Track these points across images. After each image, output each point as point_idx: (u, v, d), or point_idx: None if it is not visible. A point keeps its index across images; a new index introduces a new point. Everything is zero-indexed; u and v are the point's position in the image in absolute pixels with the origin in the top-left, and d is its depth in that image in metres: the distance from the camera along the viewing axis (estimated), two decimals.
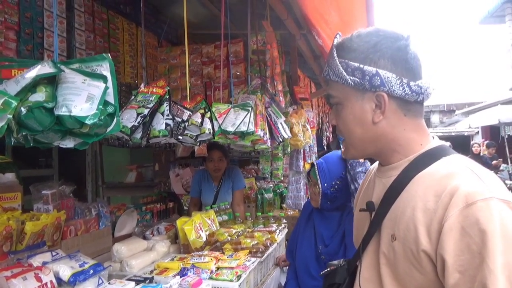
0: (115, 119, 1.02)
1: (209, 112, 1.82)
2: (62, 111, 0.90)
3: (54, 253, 1.84)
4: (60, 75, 0.94)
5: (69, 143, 0.99)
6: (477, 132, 15.92)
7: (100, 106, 0.94)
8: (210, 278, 1.93)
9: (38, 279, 1.61)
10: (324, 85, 5.32)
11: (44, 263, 1.73)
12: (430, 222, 0.78)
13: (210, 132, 1.81)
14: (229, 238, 2.45)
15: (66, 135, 0.97)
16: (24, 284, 1.54)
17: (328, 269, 1.08)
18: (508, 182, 9.17)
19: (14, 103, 0.82)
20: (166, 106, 1.56)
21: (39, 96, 0.87)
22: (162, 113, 1.51)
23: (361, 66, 0.86)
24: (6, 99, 0.81)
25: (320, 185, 1.78)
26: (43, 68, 0.90)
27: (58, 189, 2.37)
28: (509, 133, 11.20)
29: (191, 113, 1.73)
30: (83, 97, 0.93)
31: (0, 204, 2.10)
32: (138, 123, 1.37)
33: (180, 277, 1.86)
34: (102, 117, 0.95)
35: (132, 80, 3.24)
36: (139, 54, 3.31)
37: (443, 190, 0.78)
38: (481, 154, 9.37)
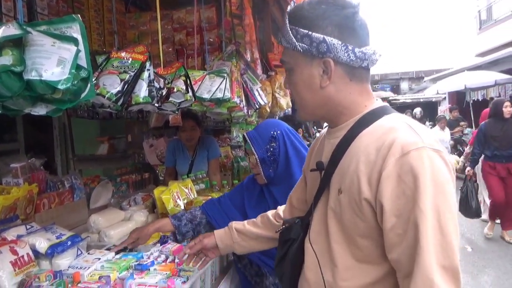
0: (88, 85, 0.98)
1: (188, 79, 1.78)
2: (32, 76, 0.85)
3: (28, 226, 1.80)
4: (26, 37, 0.88)
5: (41, 110, 0.94)
6: (444, 98, 16.46)
7: (73, 70, 0.89)
8: None
9: (14, 252, 1.58)
10: None
11: (19, 236, 1.69)
12: (371, 172, 0.85)
13: (191, 99, 1.78)
14: None
15: (37, 101, 0.92)
16: None
17: (283, 226, 1.15)
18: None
19: None
20: (148, 72, 1.51)
21: (6, 59, 0.81)
22: (144, 80, 1.46)
23: (309, 33, 0.90)
24: None
25: (255, 153, 1.73)
26: (7, 30, 0.83)
27: (28, 162, 2.30)
28: (474, 98, 11.63)
29: (165, 80, 1.68)
30: (54, 60, 0.88)
31: None
32: (122, 88, 1.33)
33: (161, 245, 1.87)
34: (76, 82, 0.91)
35: (99, 47, 3.08)
36: (106, 20, 3.14)
37: (382, 143, 0.85)
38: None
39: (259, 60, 3.23)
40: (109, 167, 4.91)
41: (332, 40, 0.89)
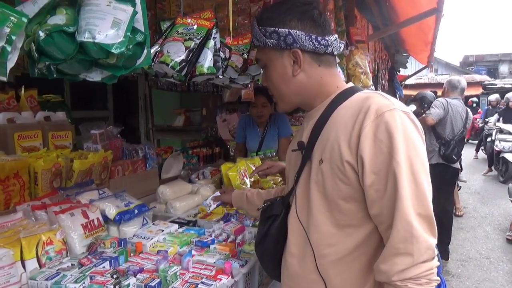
0: (145, 50, 0.91)
1: None
2: (85, 37, 0.79)
3: (101, 192, 1.87)
4: None
5: (96, 76, 0.90)
6: None
7: (128, 33, 0.83)
8: (253, 225, 1.88)
9: (85, 215, 1.65)
10: (379, 30, 4.86)
11: (91, 201, 1.76)
12: (350, 137, 0.93)
13: None
14: (274, 186, 2.37)
15: (91, 66, 0.88)
16: (71, 220, 1.58)
17: (265, 204, 1.23)
18: None
19: (23, 21, 0.70)
20: (214, 41, 1.42)
21: (59, 18, 0.77)
22: (210, 48, 1.37)
23: (276, 29, 1.02)
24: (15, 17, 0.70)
25: None
26: None
27: (106, 130, 2.39)
28: None
29: (231, 51, 1.58)
30: (108, 22, 0.81)
31: (52, 141, 2.15)
32: (187, 57, 1.26)
33: (224, 223, 1.83)
34: (131, 46, 0.84)
35: None
36: None
37: (359, 110, 0.94)
38: None
39: (335, 32, 2.98)
40: (184, 138, 5.07)
41: (296, 32, 1.00)
